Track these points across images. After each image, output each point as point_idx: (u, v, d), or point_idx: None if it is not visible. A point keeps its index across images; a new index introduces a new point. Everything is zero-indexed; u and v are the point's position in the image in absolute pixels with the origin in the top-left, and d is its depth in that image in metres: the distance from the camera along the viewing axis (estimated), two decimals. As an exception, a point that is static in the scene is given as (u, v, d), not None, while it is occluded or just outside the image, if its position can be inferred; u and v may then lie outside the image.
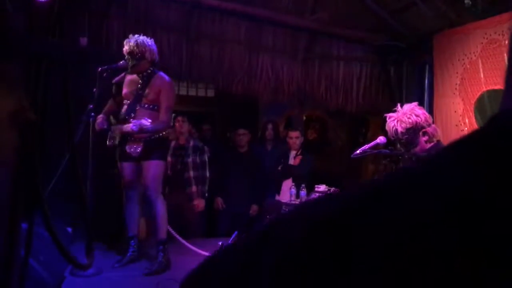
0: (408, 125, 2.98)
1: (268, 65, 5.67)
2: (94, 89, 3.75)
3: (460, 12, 4.81)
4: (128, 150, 3.96)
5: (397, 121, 3.02)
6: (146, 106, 3.91)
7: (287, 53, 5.75)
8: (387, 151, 3.05)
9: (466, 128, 4.79)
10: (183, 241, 4.38)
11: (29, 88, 1.29)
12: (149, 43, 3.92)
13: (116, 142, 3.99)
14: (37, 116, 1.42)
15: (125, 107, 3.97)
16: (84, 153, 3.64)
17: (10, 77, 1.16)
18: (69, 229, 4.27)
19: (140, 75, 3.95)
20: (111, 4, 4.78)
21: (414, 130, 2.98)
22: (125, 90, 4.03)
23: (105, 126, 3.97)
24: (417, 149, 3.01)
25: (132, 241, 4.07)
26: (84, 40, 4.31)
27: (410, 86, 5.93)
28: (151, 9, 4.95)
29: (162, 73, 4.00)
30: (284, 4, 5.45)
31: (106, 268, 3.72)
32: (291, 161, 5.56)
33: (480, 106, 4.65)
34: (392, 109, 3.22)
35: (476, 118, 4.68)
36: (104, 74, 3.82)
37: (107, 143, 4.07)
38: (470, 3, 4.51)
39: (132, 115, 3.89)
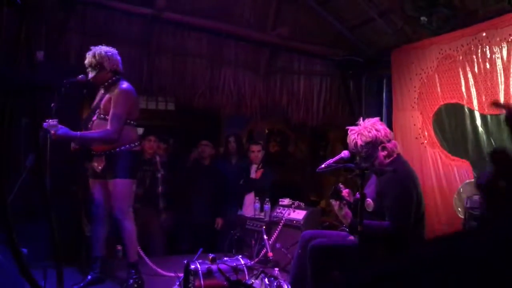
0: (368, 139, 3.05)
1: (230, 79, 5.67)
2: (52, 104, 3.61)
3: (416, 28, 4.98)
4: (94, 167, 3.85)
5: (358, 134, 3.08)
6: (102, 116, 3.78)
7: (249, 67, 5.76)
8: (352, 165, 3.07)
9: (425, 141, 4.92)
10: (149, 262, 4.23)
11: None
12: (109, 53, 3.80)
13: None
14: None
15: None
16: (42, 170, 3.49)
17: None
18: (25, 250, 4.08)
19: (103, 86, 3.85)
20: (69, 17, 4.63)
21: (373, 145, 3.05)
22: (93, 103, 3.94)
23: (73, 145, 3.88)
24: (376, 162, 3.07)
25: (96, 262, 3.90)
26: (40, 54, 4.15)
27: (369, 100, 6.06)
28: (110, 22, 4.84)
29: (123, 82, 3.83)
30: (245, 18, 5.48)
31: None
32: (253, 175, 5.55)
33: (438, 119, 4.80)
34: (352, 123, 3.29)
35: (434, 131, 4.83)
36: (63, 89, 3.68)
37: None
38: (426, 20, 4.68)
39: (89, 126, 3.79)
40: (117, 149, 3.75)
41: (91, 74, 3.75)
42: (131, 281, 3.75)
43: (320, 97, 6.23)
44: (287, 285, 2.62)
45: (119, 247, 4.57)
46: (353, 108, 6.11)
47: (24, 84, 1.29)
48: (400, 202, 2.86)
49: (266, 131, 7.55)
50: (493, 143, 4.19)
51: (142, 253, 4.36)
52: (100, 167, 3.79)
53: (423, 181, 4.85)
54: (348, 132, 3.20)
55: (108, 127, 3.67)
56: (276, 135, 7.38)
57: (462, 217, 4.40)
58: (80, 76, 3.74)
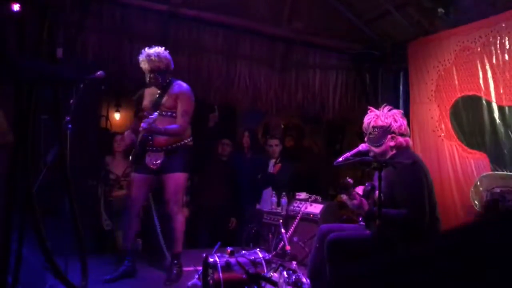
0: (382, 123, 3.05)
1: (246, 74, 5.68)
2: (71, 101, 3.67)
3: (433, 20, 4.93)
4: (147, 162, 3.93)
5: (375, 116, 3.10)
6: (164, 113, 3.93)
7: (265, 62, 5.77)
8: (370, 158, 3.07)
9: (442, 134, 4.89)
10: (169, 257, 4.30)
11: (20, 108, 1.25)
12: (167, 54, 3.98)
13: (133, 157, 3.99)
14: (26, 134, 1.38)
15: (146, 117, 3.95)
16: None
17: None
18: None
19: (159, 85, 4.00)
20: (86, 15, 4.70)
21: (385, 131, 3.05)
22: (145, 102, 4.06)
23: (134, 140, 4.00)
24: (380, 149, 3.07)
25: (128, 254, 4.00)
26: (59, 52, 4.22)
27: (385, 93, 6.02)
28: (127, 19, 4.89)
29: (179, 81, 4.08)
30: (261, 13, 5.47)
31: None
32: (271, 169, 5.57)
33: (455, 111, 4.76)
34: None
35: (451, 123, 4.79)
36: (81, 85, 3.74)
37: (130, 158, 4.06)
38: (443, 11, 4.63)
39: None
40: (178, 144, 3.95)
41: (154, 77, 3.91)
42: (175, 270, 3.92)
43: (336, 91, 6.20)
44: (305, 279, 2.64)
45: (139, 240, 4.65)
46: (370, 102, 6.08)
47: (50, 76, 1.32)
48: (415, 189, 2.85)
49: (282, 125, 7.55)
50: (511, 135, 4.14)
51: (164, 247, 4.45)
52: (158, 162, 3.91)
53: (440, 174, 4.82)
54: (368, 111, 3.21)
55: (179, 122, 3.90)
56: (292, 130, 7.38)
57: (479, 210, 4.37)
58: (98, 73, 3.79)
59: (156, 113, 3.68)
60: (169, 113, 3.93)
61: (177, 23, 5.14)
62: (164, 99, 3.96)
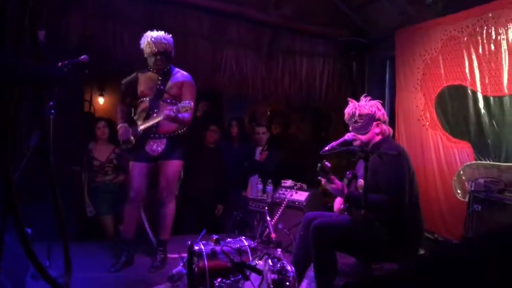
0: (367, 111, 3.08)
1: (232, 60, 5.62)
2: (54, 86, 3.59)
3: (421, 9, 4.93)
4: (148, 149, 3.88)
5: (358, 106, 3.12)
6: (168, 101, 3.89)
7: (251, 48, 5.71)
8: (356, 148, 3.08)
9: (427, 123, 4.92)
10: (155, 243, 4.29)
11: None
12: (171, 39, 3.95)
13: (130, 146, 3.93)
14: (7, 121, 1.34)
15: (145, 104, 3.93)
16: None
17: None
18: (29, 230, 4.11)
19: (161, 71, 3.94)
20: (70, -3, 4.58)
21: (370, 118, 3.08)
22: (142, 88, 3.97)
23: (130, 136, 3.91)
24: (366, 136, 3.09)
25: (128, 244, 3.96)
26: (41, 34, 4.10)
27: (371, 81, 6.03)
28: (112, 2, 4.78)
29: (178, 69, 4.04)
30: (248, -2, 5.41)
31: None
32: (258, 157, 5.56)
33: (440, 101, 4.79)
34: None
35: (436, 112, 4.82)
36: (65, 70, 3.66)
37: (122, 147, 4.03)
38: (431, 0, 4.62)
39: (156, 110, 3.85)
40: (179, 132, 3.95)
41: (159, 61, 3.88)
42: (159, 257, 3.93)
43: (322, 78, 6.19)
44: (290, 267, 2.64)
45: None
46: (356, 90, 6.08)
47: (36, 76, 1.28)
48: (396, 177, 2.87)
49: (269, 112, 7.53)
50: (495, 125, 4.18)
51: (150, 234, 4.44)
52: (159, 149, 3.87)
53: (424, 163, 4.86)
54: (349, 102, 3.22)
55: (190, 112, 3.84)
56: (278, 117, 7.35)
57: (462, 199, 4.43)
58: (82, 57, 3.72)
59: (189, 101, 3.62)
60: (173, 101, 3.89)
61: (163, 7, 5.04)
62: (168, 86, 3.91)
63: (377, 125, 3.10)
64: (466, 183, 4.44)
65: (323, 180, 2.94)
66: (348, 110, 3.19)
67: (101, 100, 8.08)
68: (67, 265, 1.44)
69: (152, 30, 4.03)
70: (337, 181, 2.92)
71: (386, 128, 3.15)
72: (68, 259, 1.45)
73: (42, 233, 3.09)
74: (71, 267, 1.47)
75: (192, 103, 3.63)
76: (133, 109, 4.22)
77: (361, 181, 2.96)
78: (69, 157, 4.80)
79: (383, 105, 3.30)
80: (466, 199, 4.22)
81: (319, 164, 2.88)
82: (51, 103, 3.64)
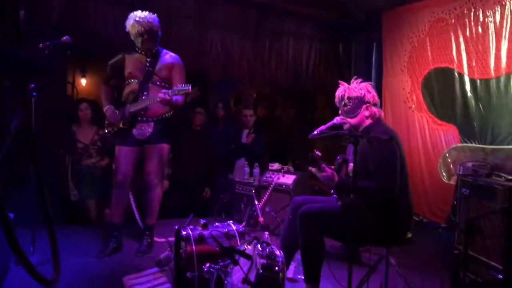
0: (356, 94, 3.03)
1: (217, 41, 5.53)
2: (36, 67, 3.48)
3: (408, -10, 4.89)
4: (135, 133, 3.81)
5: (348, 88, 3.06)
6: (158, 83, 3.81)
7: (237, 29, 5.63)
8: (346, 132, 3.05)
9: (413, 105, 4.92)
10: (141, 225, 4.25)
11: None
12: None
13: (115, 129, 3.85)
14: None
15: (133, 86, 3.83)
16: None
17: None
18: (11, 215, 4.03)
19: (149, 53, 3.85)
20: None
21: (360, 101, 3.03)
22: (129, 70, 3.86)
23: (119, 118, 3.83)
24: (356, 119, 3.05)
25: (118, 229, 3.90)
26: (21, 14, 3.97)
27: (358, 64, 6.00)
28: (94, -19, 4.65)
29: (166, 50, 3.94)
30: (234, -22, 5.30)
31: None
32: (244, 140, 5.52)
33: (427, 83, 4.79)
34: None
35: (423, 95, 4.82)
36: (46, 51, 3.55)
37: (105, 130, 3.93)
38: (419, -19, 4.58)
39: (145, 93, 3.77)
40: (167, 115, 3.87)
41: (145, 41, 3.77)
42: (146, 242, 3.89)
43: (309, 61, 6.15)
44: (279, 251, 2.63)
45: (108, 211, 4.56)
46: (342, 72, 6.05)
47: (23, 68, 1.21)
48: (388, 162, 2.84)
49: (254, 95, 7.47)
50: (481, 108, 4.20)
51: (138, 218, 4.40)
52: (147, 133, 3.80)
53: (409, 146, 4.88)
54: (339, 85, 3.17)
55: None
56: (264, 99, 7.31)
57: (447, 181, 4.46)
58: (64, 38, 3.60)
59: (189, 85, 3.51)
60: (162, 84, 3.81)
61: (147, -13, 4.91)
62: (157, 68, 3.82)
63: (367, 108, 3.06)
64: (451, 165, 4.47)
65: (314, 169, 2.92)
66: (338, 93, 3.14)
67: (83, 82, 7.91)
68: (55, 260, 1.39)
69: (134, 9, 3.92)
70: (327, 169, 2.90)
71: (376, 110, 3.10)
72: (56, 252, 1.40)
73: (25, 219, 3.03)
74: (59, 261, 1.41)
75: (189, 87, 3.52)
76: (116, 91, 4.12)
77: (351, 166, 2.94)
78: (52, 141, 4.70)
79: (374, 87, 3.26)
80: (451, 182, 4.25)
81: (310, 154, 2.85)
82: (33, 85, 3.54)
